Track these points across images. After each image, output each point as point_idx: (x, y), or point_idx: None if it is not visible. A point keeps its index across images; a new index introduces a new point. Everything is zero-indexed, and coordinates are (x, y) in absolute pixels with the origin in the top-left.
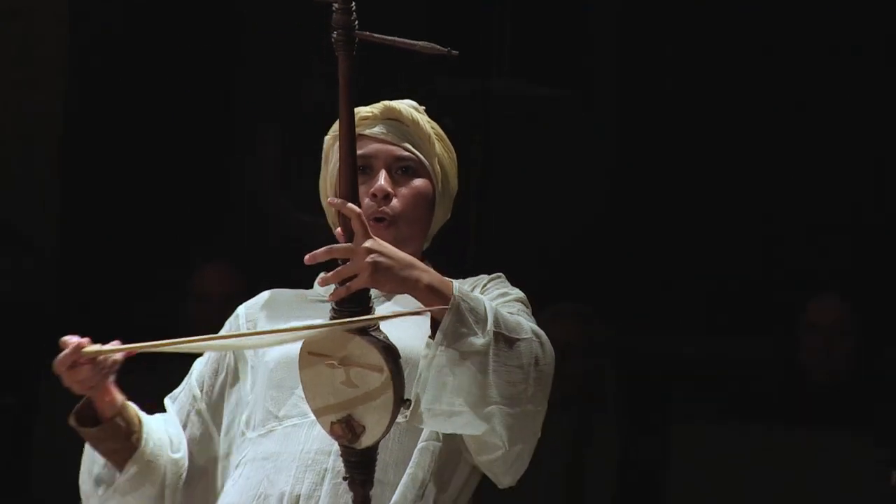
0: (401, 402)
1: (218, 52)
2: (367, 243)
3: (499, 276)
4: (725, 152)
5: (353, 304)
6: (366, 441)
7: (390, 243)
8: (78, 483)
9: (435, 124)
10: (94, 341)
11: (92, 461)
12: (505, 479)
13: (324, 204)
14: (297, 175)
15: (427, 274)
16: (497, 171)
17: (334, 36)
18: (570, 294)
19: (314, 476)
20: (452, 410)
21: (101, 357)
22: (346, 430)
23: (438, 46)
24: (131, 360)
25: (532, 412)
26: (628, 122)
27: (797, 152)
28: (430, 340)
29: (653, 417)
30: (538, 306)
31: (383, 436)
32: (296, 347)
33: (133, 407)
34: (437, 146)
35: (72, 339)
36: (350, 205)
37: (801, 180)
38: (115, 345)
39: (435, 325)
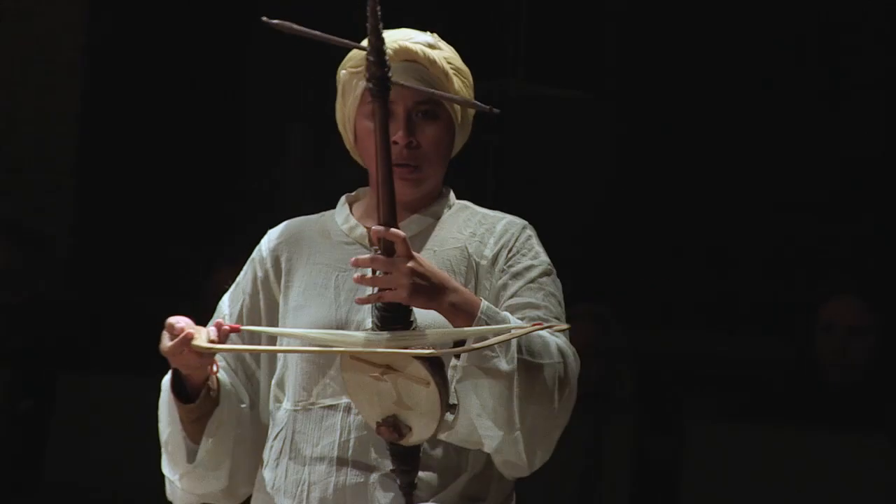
0: (447, 408)
1: (235, 53)
2: (411, 264)
3: (526, 232)
4: (740, 152)
5: (397, 320)
6: (412, 441)
7: (414, 185)
8: (88, 478)
9: (449, 54)
10: (109, 342)
11: (180, 440)
12: (518, 475)
13: (341, 129)
14: (318, 177)
15: (456, 294)
16: (510, 172)
17: (369, 86)
18: (585, 295)
19: (357, 467)
20: (479, 431)
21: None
22: (392, 431)
23: (480, 104)
24: (136, 364)
25: (553, 431)
26: (642, 123)
27: (813, 152)
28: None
29: (668, 418)
30: None
31: (430, 437)
32: (324, 320)
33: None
34: (455, 82)
35: (179, 324)
36: (393, 230)
37: (818, 180)
38: (212, 330)
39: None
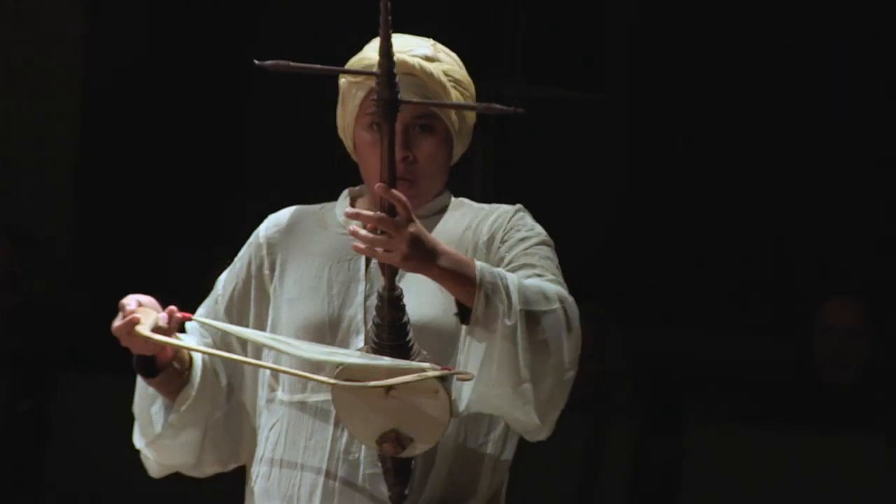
0: (452, 413)
1: (235, 52)
2: (412, 229)
3: (519, 213)
4: (741, 154)
5: (393, 339)
6: (417, 451)
7: (412, 199)
8: (88, 479)
9: (449, 66)
10: (109, 342)
11: (150, 401)
12: (538, 437)
13: (341, 135)
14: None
15: (446, 258)
16: (509, 173)
17: (378, 109)
18: (585, 296)
19: (348, 465)
20: (492, 392)
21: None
22: (395, 445)
23: (501, 107)
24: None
25: (563, 382)
26: (642, 124)
27: (813, 154)
28: (465, 325)
29: (668, 419)
30: None
31: (435, 443)
32: (317, 317)
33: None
34: (453, 94)
35: (129, 306)
36: (395, 192)
37: (817, 181)
38: (163, 316)
39: (459, 304)
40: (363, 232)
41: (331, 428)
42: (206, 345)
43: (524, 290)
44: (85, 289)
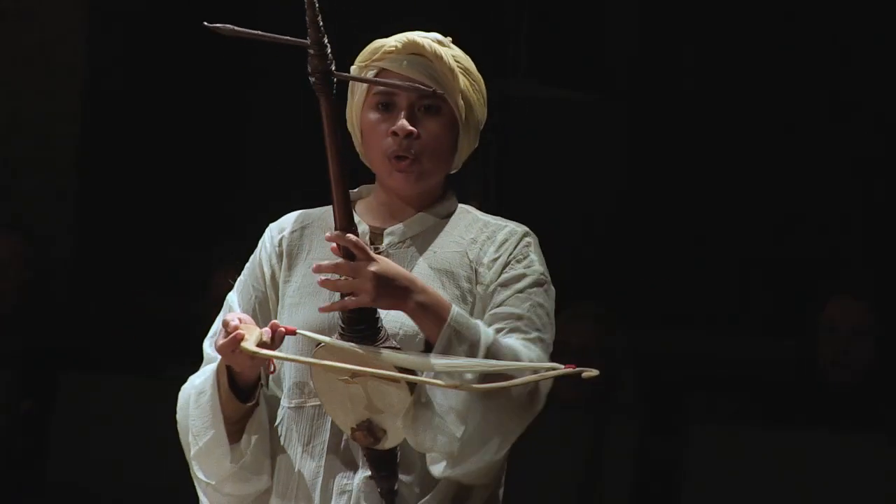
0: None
1: (236, 54)
2: (373, 268)
3: (525, 239)
4: (741, 153)
5: (362, 324)
6: (388, 444)
7: (414, 179)
8: (89, 479)
9: (460, 55)
10: (109, 342)
11: (224, 432)
12: (440, 468)
13: (349, 128)
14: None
15: (424, 295)
16: (512, 172)
17: (312, 80)
18: (586, 296)
19: (346, 468)
20: (434, 432)
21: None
22: (367, 435)
23: (423, 87)
24: (137, 364)
25: (495, 444)
26: (644, 123)
27: (814, 154)
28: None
29: (669, 419)
30: (555, 309)
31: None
32: (317, 321)
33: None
34: (461, 80)
35: (232, 322)
36: (348, 235)
37: (818, 181)
38: (266, 332)
39: (429, 346)
40: (323, 278)
41: (328, 432)
42: None
43: (496, 350)
44: (85, 289)
